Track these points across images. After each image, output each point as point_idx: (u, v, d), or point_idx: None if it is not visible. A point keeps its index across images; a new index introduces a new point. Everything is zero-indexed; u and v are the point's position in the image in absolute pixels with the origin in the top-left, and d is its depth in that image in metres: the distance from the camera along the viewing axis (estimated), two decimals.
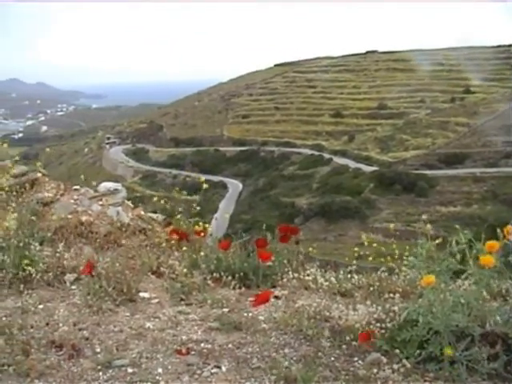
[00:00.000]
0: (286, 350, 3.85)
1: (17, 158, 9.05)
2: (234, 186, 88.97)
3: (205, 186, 8.25)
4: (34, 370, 3.52)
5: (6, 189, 7.77)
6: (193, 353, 3.82)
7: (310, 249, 6.75)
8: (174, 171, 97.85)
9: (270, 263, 5.29)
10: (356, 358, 3.73)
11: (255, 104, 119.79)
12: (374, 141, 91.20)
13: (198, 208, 7.63)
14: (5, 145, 8.63)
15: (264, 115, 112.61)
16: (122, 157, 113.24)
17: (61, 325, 4.25)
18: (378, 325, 3.89)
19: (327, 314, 4.34)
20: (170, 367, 3.62)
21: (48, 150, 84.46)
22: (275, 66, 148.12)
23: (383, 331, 3.84)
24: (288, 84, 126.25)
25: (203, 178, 8.54)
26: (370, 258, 6.89)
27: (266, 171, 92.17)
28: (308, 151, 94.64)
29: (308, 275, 5.29)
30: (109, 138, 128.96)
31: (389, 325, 3.86)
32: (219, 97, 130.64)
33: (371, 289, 4.95)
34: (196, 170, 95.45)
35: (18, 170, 8.67)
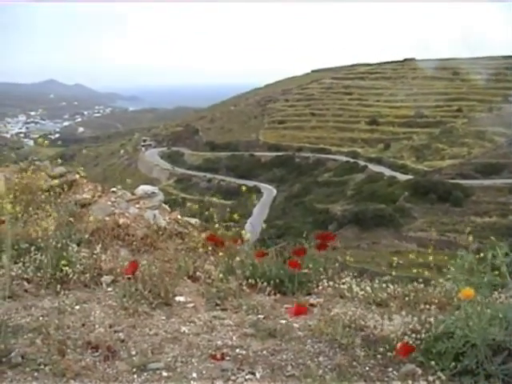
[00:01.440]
0: (321, 359, 3.84)
1: (59, 160, 9.12)
2: (269, 191, 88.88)
3: (244, 189, 8.28)
4: (70, 371, 3.54)
5: (45, 190, 7.84)
6: (227, 358, 3.82)
7: (348, 258, 6.72)
8: (209, 175, 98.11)
9: (305, 270, 5.27)
10: (391, 369, 3.71)
11: (291, 110, 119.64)
12: (409, 149, 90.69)
13: (235, 214, 7.63)
14: (46, 142, 8.70)
15: (300, 121, 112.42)
16: (158, 159, 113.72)
17: (97, 326, 4.27)
18: (414, 336, 3.86)
19: (362, 323, 4.31)
20: (204, 372, 3.63)
21: (85, 151, 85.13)
22: (312, 71, 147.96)
23: (418, 342, 3.81)
24: (324, 90, 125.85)
25: (243, 187, 8.55)
26: (414, 270, 6.80)
27: (300, 177, 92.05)
28: (343, 158, 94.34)
29: (343, 283, 5.27)
30: (145, 141, 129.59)
31: (424, 336, 3.84)
32: (255, 102, 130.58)
33: (407, 299, 4.91)
34: (231, 175, 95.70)
35: (57, 171, 8.76)
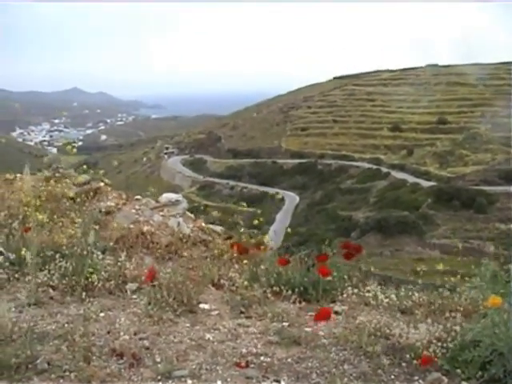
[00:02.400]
0: (346, 367, 3.83)
1: (84, 167, 9.17)
2: (291, 198, 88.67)
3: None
4: (96, 378, 3.56)
5: (70, 197, 7.88)
6: (252, 366, 3.82)
7: (371, 265, 6.69)
8: (232, 182, 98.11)
9: (329, 278, 5.26)
10: (416, 377, 3.70)
11: (313, 116, 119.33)
12: (432, 155, 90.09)
13: (258, 220, 7.63)
14: (74, 150, 8.75)
15: (322, 128, 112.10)
16: (180, 167, 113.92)
17: (122, 333, 4.28)
18: (439, 344, 3.84)
19: (387, 331, 4.29)
20: (229, 379, 3.63)
21: (116, 162, 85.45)
22: (334, 78, 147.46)
23: (444, 350, 3.79)
24: (347, 97, 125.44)
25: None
26: (439, 277, 6.75)
27: (323, 184, 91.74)
28: (366, 165, 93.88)
29: (368, 291, 5.25)
30: (167, 148, 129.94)
31: (450, 344, 3.81)
32: (278, 109, 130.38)
33: (432, 307, 4.89)
34: (253, 182, 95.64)
35: (81, 178, 8.80)
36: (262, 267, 5.71)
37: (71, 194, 8.27)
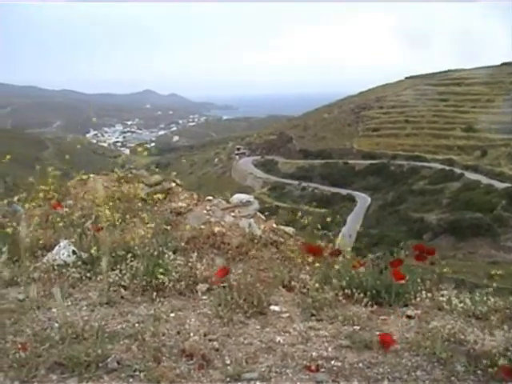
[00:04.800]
0: (418, 373, 3.73)
1: (154, 167, 9.26)
2: (363, 199, 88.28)
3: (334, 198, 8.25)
4: (165, 378, 3.55)
5: (142, 198, 7.96)
6: (322, 370, 3.75)
7: (445, 269, 6.54)
8: (303, 183, 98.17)
9: (403, 281, 5.16)
10: None
11: (385, 117, 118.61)
12: (507, 156, 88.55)
13: (331, 222, 7.56)
14: (146, 153, 8.84)
15: (394, 128, 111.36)
16: (251, 168, 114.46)
17: (192, 334, 4.27)
18: None
19: (462, 337, 4.18)
20: (298, 383, 3.58)
21: (184, 161, 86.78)
22: (406, 78, 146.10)
23: None
24: (419, 97, 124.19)
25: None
26: None
27: (395, 185, 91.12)
28: (438, 166, 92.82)
29: (442, 295, 5.13)
30: (238, 149, 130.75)
31: None
32: (349, 109, 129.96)
33: (508, 312, 4.75)
34: (325, 183, 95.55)
35: (153, 179, 8.88)
36: (335, 269, 5.64)
37: (143, 195, 8.35)
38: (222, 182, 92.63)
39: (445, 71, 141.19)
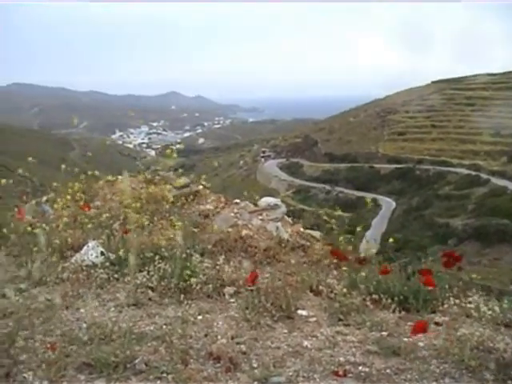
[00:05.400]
0: (447, 380, 3.71)
1: (180, 169, 9.30)
2: (388, 203, 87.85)
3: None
4: (192, 380, 3.56)
5: (170, 200, 7.99)
6: (350, 375, 3.74)
7: (473, 275, 6.49)
8: (328, 186, 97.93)
9: (430, 288, 5.12)
10: None
11: (411, 121, 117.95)
12: None
13: (357, 226, 7.53)
14: (174, 155, 8.89)
15: (420, 133, 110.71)
16: (276, 170, 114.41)
17: (219, 337, 4.28)
18: None
19: (491, 345, 4.14)
20: None
21: (216, 163, 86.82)
22: (432, 82, 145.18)
23: None
24: (445, 101, 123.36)
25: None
26: None
27: (420, 190, 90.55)
28: (464, 171, 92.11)
29: (470, 302, 5.09)
30: (264, 152, 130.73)
31: None
32: (375, 113, 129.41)
33: None
34: (349, 187, 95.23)
35: (181, 181, 8.91)
36: (362, 274, 5.63)
37: (171, 197, 8.38)
38: (247, 185, 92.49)
39: (472, 76, 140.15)
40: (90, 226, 7.26)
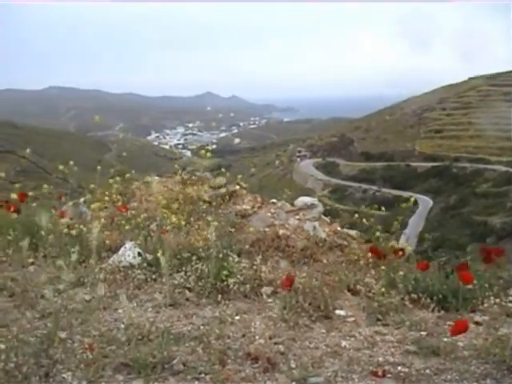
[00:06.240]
0: (488, 381, 3.64)
1: (217, 169, 9.32)
2: (425, 202, 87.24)
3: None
4: (230, 381, 3.55)
5: (207, 200, 8.00)
6: (389, 376, 3.70)
7: None
8: (364, 185, 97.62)
9: (470, 286, 5.05)
10: None
11: (448, 118, 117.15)
12: None
13: (395, 224, 7.47)
14: (208, 154, 8.90)
15: (457, 130, 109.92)
16: (312, 170, 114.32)
17: (257, 337, 4.26)
18: None
19: None
20: None
21: (253, 166, 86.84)
22: (469, 79, 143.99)
23: None
24: (482, 98, 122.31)
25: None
26: None
27: (457, 188, 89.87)
28: (503, 168, 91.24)
29: (510, 301, 5.01)
30: (300, 151, 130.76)
31: None
32: (411, 111, 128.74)
33: None
34: (386, 185, 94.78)
35: (217, 181, 8.93)
36: (401, 273, 5.57)
37: (207, 197, 8.40)
38: (283, 184, 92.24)
39: (509, 71, 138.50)
40: (127, 227, 7.30)
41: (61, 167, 8.30)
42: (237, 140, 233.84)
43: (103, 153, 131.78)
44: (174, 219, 6.99)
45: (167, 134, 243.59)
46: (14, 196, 7.30)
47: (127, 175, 9.31)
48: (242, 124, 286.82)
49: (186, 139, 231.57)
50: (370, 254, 6.44)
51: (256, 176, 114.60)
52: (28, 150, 12.24)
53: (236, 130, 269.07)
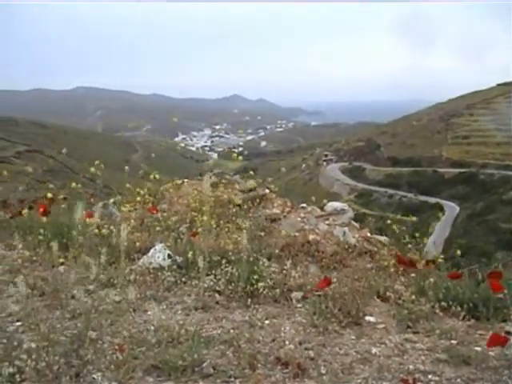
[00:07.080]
0: None
1: (245, 172, 9.33)
2: (451, 208, 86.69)
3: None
4: None
5: (237, 203, 8.01)
6: None
7: None
8: (390, 191, 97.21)
9: (501, 295, 5.02)
10: None
11: (476, 125, 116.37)
12: None
13: (419, 232, 7.45)
14: (239, 157, 8.93)
15: (485, 136, 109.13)
16: (339, 174, 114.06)
17: (287, 342, 4.26)
18: None
19: None
20: None
21: (283, 169, 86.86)
22: (497, 85, 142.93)
23: None
24: (510, 104, 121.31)
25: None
26: None
27: (484, 195, 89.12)
28: None
29: None
30: (326, 155, 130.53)
31: None
32: (438, 117, 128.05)
33: None
34: (413, 191, 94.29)
35: (247, 185, 8.94)
36: (431, 281, 5.54)
37: (238, 201, 8.41)
38: (309, 188, 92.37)
39: None
40: (157, 228, 7.34)
41: (92, 169, 8.36)
42: (263, 143, 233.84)
43: (130, 153, 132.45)
44: (204, 222, 7.00)
45: (194, 136, 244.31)
46: (49, 195, 7.37)
47: (157, 176, 9.36)
48: (268, 127, 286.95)
49: (212, 141, 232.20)
50: (400, 263, 6.41)
51: (282, 179, 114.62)
52: (64, 151, 12.34)
53: (263, 133, 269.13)
